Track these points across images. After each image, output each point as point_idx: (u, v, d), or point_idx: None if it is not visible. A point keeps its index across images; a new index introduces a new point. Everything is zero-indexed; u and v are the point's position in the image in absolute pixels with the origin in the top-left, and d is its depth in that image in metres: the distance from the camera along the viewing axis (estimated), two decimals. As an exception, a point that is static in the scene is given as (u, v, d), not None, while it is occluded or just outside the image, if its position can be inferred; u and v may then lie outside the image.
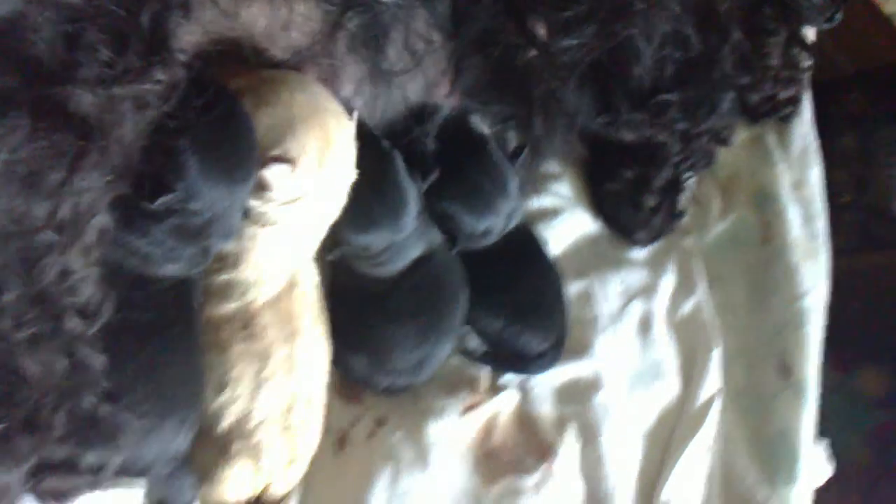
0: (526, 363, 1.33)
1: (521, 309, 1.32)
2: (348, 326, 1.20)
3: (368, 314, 1.22)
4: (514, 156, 1.33)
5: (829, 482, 1.49)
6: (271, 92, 1.04)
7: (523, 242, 1.38)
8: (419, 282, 1.23)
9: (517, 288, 1.33)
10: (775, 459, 1.43)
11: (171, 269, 1.01)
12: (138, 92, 0.86)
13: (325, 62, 1.15)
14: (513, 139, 1.38)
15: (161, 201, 0.95)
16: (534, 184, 1.43)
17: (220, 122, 0.98)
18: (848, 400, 1.70)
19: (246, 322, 1.07)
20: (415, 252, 1.23)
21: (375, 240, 1.17)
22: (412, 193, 1.19)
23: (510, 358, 1.33)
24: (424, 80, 1.26)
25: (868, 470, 1.67)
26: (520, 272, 1.34)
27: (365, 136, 1.13)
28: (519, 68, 1.31)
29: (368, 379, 1.24)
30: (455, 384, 1.29)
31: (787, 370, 1.47)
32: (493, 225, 1.30)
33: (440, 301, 1.25)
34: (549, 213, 1.47)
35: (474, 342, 1.34)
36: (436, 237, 1.27)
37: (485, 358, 1.33)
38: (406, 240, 1.20)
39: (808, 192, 1.59)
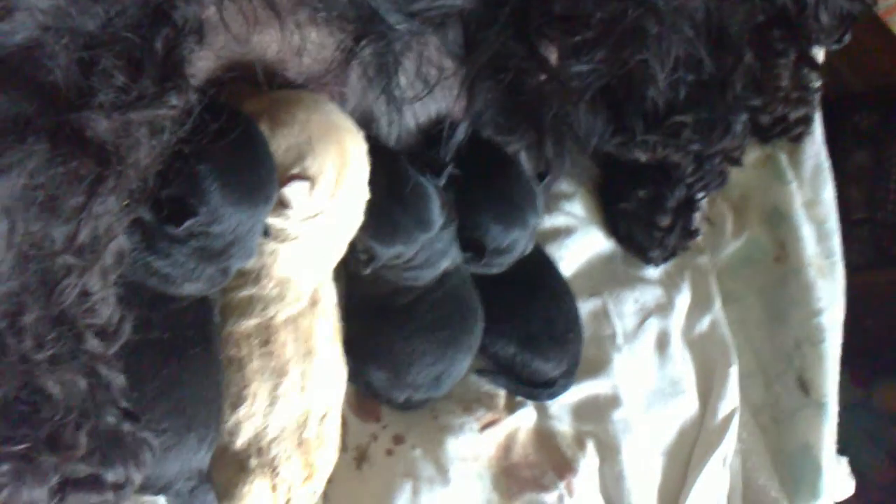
0: (537, 389, 1.33)
1: (532, 336, 1.32)
2: (368, 340, 1.22)
3: (390, 327, 1.23)
4: (538, 180, 1.35)
5: (851, 498, 1.48)
6: (287, 113, 1.06)
7: (536, 268, 1.38)
8: (442, 296, 1.24)
9: (529, 314, 1.34)
10: (797, 476, 1.43)
11: (191, 289, 1.03)
12: (153, 117, 0.87)
13: (337, 89, 1.17)
14: (524, 161, 1.39)
15: (186, 225, 0.97)
16: (546, 203, 1.43)
17: (239, 146, 0.99)
18: (868, 416, 1.69)
19: (266, 338, 1.09)
20: (446, 261, 1.24)
21: (406, 246, 1.18)
22: (430, 188, 1.19)
23: (522, 383, 1.34)
24: (437, 107, 1.28)
25: (890, 486, 1.67)
26: (532, 298, 1.35)
27: (371, 148, 1.14)
28: (530, 92, 1.32)
29: (387, 393, 1.25)
30: (473, 401, 1.30)
31: (805, 386, 1.48)
32: (518, 240, 1.29)
33: (461, 317, 1.26)
34: (563, 233, 1.48)
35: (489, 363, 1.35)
36: (458, 253, 1.27)
37: (499, 379, 1.33)
38: (438, 242, 1.21)
39: (822, 211, 1.60)
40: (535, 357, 1.31)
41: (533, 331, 1.32)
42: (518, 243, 1.30)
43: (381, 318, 1.24)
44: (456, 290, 1.26)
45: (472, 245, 1.28)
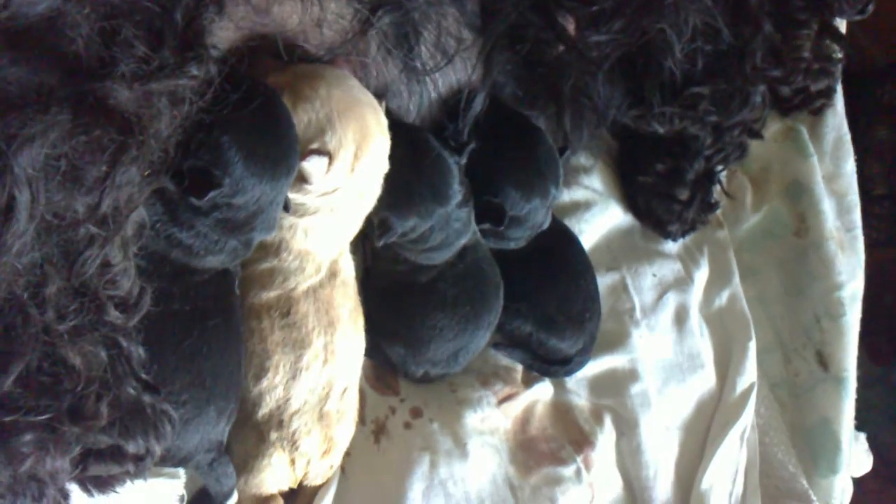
0: (553, 366, 1.33)
1: (549, 315, 1.32)
2: (388, 316, 1.22)
3: (410, 303, 1.22)
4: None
5: (869, 473, 1.48)
6: (310, 88, 1.05)
7: (556, 244, 1.37)
8: (464, 270, 1.24)
9: (547, 293, 1.33)
10: (816, 450, 1.43)
11: (213, 262, 1.02)
12: (174, 87, 0.87)
13: (357, 60, 1.16)
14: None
15: (209, 196, 0.96)
16: (565, 177, 1.42)
17: (262, 117, 0.99)
18: (886, 393, 1.69)
19: (287, 310, 1.08)
20: (463, 240, 1.23)
21: (421, 219, 1.16)
22: (450, 161, 1.19)
23: (538, 359, 1.33)
24: (457, 78, 1.27)
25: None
26: (551, 276, 1.34)
27: (392, 123, 1.13)
28: (548, 63, 1.32)
29: (404, 368, 1.25)
30: (491, 375, 1.30)
31: (825, 361, 1.48)
32: (536, 210, 1.28)
33: (483, 292, 1.25)
34: (581, 206, 1.48)
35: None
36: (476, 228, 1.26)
37: (515, 353, 1.33)
38: (455, 221, 1.20)
39: (842, 185, 1.59)
40: (552, 336, 1.31)
41: (550, 310, 1.32)
42: (536, 214, 1.29)
43: (401, 295, 1.23)
44: (477, 263, 1.26)
45: (491, 211, 1.26)
